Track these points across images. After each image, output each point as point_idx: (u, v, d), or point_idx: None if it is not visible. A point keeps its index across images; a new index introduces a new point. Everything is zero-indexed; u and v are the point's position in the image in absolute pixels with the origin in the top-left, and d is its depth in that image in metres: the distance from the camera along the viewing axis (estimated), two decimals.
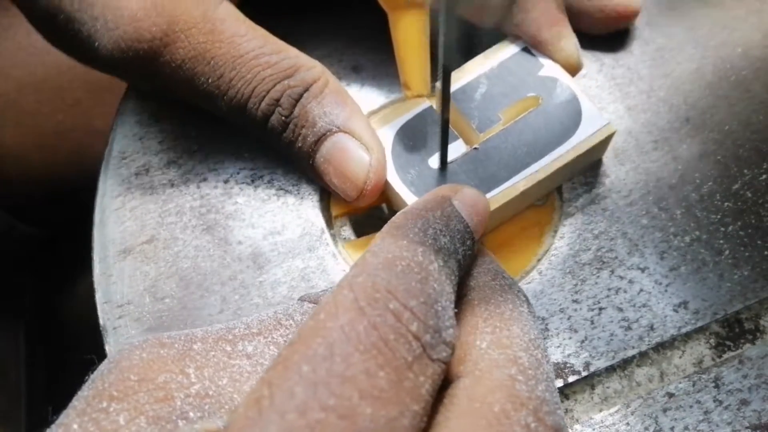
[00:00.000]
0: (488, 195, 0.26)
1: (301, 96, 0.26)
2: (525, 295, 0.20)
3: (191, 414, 0.16)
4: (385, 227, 0.19)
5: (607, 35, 0.32)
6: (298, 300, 0.21)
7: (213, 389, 0.17)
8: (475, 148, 0.28)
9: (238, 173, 0.30)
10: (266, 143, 0.29)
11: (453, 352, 0.16)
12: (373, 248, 0.17)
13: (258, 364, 0.18)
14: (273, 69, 0.26)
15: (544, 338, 0.19)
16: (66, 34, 0.27)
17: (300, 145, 0.27)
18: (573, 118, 0.28)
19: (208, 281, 0.28)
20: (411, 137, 0.28)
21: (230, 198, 0.30)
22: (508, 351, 0.17)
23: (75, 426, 0.16)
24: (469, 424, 0.15)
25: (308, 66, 0.27)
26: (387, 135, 0.28)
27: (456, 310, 0.18)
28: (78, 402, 0.16)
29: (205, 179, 0.30)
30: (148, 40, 0.26)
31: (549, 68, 0.29)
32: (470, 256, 0.20)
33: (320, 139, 0.27)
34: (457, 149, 0.27)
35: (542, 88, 0.28)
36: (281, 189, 0.30)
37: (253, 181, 0.30)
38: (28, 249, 0.50)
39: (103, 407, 0.16)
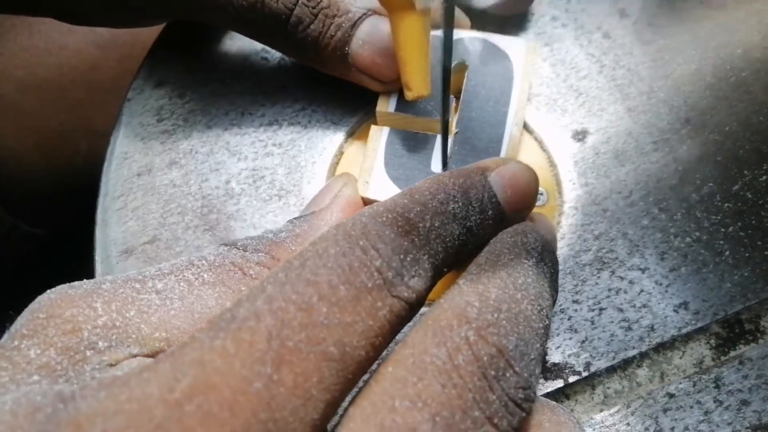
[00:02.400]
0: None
1: None
2: (549, 269, 0.21)
3: (99, 344, 0.17)
4: (412, 186, 0.20)
5: (605, 35, 0.32)
6: (220, 245, 0.22)
7: (120, 321, 0.18)
8: (456, 133, 0.28)
9: (239, 174, 0.31)
10: (279, 45, 0.29)
11: (419, 299, 0.18)
12: (386, 200, 0.19)
13: (167, 299, 0.19)
14: None
15: (551, 315, 0.20)
16: None
17: (333, 33, 0.27)
18: (500, 56, 0.29)
19: None
20: (398, 158, 0.28)
21: (231, 198, 0.30)
22: (479, 287, 0.18)
23: None
24: (419, 335, 0.17)
25: None
26: (379, 168, 0.28)
27: (446, 270, 0.20)
28: None
29: (206, 180, 0.30)
30: None
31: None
32: (491, 226, 0.21)
33: (356, 23, 0.27)
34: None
35: (456, 52, 0.29)
36: (283, 189, 0.30)
37: (254, 181, 0.30)
38: (30, 249, 0.50)
39: (15, 345, 0.17)
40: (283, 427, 0.15)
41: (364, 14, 0.27)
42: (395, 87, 0.29)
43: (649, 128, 0.31)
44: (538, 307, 0.19)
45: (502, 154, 0.27)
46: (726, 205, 0.29)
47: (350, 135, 0.32)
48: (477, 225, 0.20)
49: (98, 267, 0.29)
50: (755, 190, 0.29)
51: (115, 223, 0.30)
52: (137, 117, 0.32)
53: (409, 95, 0.28)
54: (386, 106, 0.29)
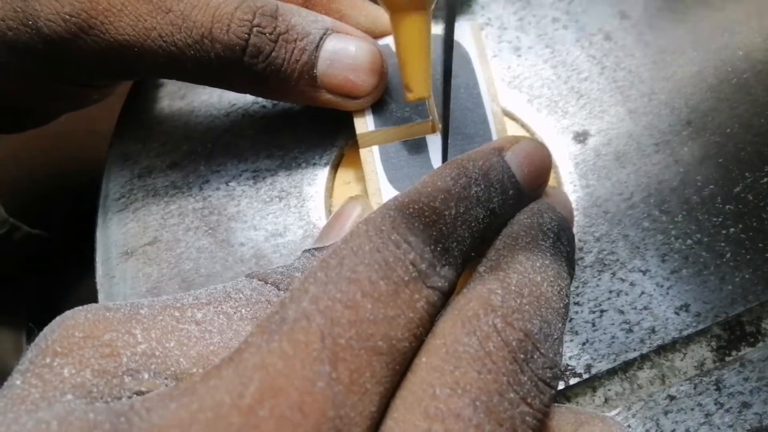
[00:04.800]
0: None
1: (275, 13, 0.26)
2: (566, 247, 0.21)
3: (140, 372, 0.17)
4: (432, 172, 0.20)
5: (607, 37, 0.32)
6: (246, 276, 0.21)
7: (160, 350, 0.18)
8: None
9: (240, 175, 0.31)
10: (234, 82, 0.27)
11: (450, 287, 0.19)
12: (409, 189, 0.20)
13: (206, 331, 0.19)
14: None
15: (569, 294, 0.20)
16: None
17: (298, 58, 0.26)
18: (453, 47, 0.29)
19: (210, 283, 0.28)
20: (399, 171, 0.28)
21: (232, 200, 0.30)
22: (500, 273, 0.19)
23: (18, 382, 0.16)
24: (448, 326, 0.18)
25: None
26: (386, 186, 0.28)
27: (474, 255, 0.20)
28: (22, 364, 0.17)
29: (207, 181, 0.30)
30: None
31: (386, 38, 0.29)
32: (512, 205, 0.21)
33: (319, 45, 0.26)
34: (436, 141, 0.28)
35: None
36: (283, 191, 0.30)
37: (255, 182, 0.30)
38: (31, 251, 0.50)
39: (47, 362, 0.16)
40: (347, 423, 0.15)
41: (324, 34, 0.27)
42: (367, 102, 0.28)
43: (650, 130, 0.31)
44: (557, 288, 0.19)
45: (493, 132, 0.28)
46: (727, 207, 0.29)
47: (351, 137, 0.32)
48: (499, 206, 0.20)
49: (99, 268, 0.29)
50: (756, 192, 0.29)
51: (116, 224, 0.30)
52: (138, 118, 0.32)
53: (410, 97, 0.28)
54: (365, 126, 0.28)
